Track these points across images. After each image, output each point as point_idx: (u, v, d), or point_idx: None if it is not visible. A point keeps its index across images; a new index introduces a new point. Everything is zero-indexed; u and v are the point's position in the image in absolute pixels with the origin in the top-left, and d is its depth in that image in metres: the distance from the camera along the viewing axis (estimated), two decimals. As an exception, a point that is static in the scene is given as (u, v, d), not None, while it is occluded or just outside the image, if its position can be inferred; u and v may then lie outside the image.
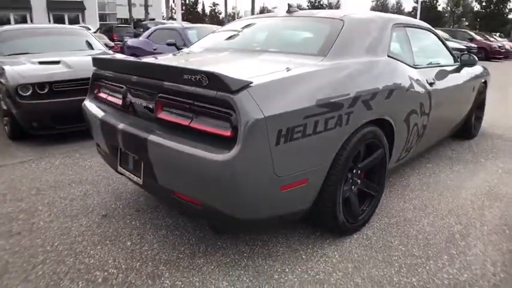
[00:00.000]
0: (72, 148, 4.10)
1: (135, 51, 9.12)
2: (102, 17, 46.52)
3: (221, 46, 2.79)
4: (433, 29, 3.48)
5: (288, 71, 1.86)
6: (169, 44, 7.79)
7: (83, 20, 32.02)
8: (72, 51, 5.27)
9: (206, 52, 2.71)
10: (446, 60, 3.54)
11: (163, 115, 1.88)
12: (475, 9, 37.62)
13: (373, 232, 2.43)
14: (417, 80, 2.71)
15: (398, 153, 2.71)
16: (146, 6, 48.09)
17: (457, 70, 3.56)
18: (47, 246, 2.24)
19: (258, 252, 2.18)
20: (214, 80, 1.54)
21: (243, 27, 3.00)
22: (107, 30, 21.12)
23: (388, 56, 2.49)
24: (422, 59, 3.01)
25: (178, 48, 7.78)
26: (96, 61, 2.47)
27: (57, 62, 4.40)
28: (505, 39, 24.71)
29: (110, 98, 2.36)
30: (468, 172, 3.54)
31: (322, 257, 2.14)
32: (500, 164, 3.76)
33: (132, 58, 2.54)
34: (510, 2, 34.87)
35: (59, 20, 31.93)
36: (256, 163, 1.60)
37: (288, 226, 2.42)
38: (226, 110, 1.57)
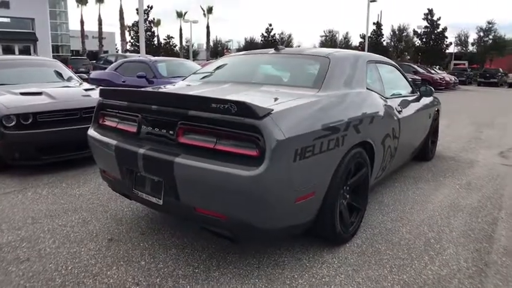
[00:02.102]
0: (56, 178, 4.10)
1: (102, 84, 9.14)
2: (55, 49, 45.45)
3: (220, 79, 3.08)
4: (395, 63, 4.02)
5: (293, 100, 2.18)
6: (139, 77, 7.96)
7: (35, 52, 31.10)
8: (49, 83, 5.30)
9: (208, 84, 2.99)
10: (407, 90, 4.07)
11: (185, 140, 2.11)
12: (417, 44, 41.36)
13: (362, 241, 2.74)
14: (390, 108, 3.15)
15: (377, 171, 3.09)
16: (100, 38, 47.65)
17: (417, 100, 4.10)
18: (61, 270, 2.31)
19: (266, 263, 2.40)
20: (242, 108, 1.81)
21: (236, 62, 3.33)
22: (61, 62, 20.68)
23: (367, 88, 2.91)
24: (390, 90, 3.48)
25: (149, 81, 7.99)
26: (105, 92, 2.66)
27: (40, 93, 4.45)
28: (444, 72, 27.20)
29: (121, 126, 2.54)
30: (431, 189, 4.01)
31: (324, 263, 2.41)
32: (457, 181, 4.29)
33: (148, 89, 2.75)
34: (447, 38, 38.92)
35: (9, 50, 30.78)
36: (279, 177, 1.87)
37: (288, 239, 2.67)
38: (253, 134, 1.84)
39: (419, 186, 4.09)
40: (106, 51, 44.46)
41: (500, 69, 32.46)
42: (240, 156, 1.88)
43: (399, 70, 4.06)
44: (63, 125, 4.26)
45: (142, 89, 2.58)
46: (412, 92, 4.20)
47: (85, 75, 7.63)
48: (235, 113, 1.84)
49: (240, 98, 2.07)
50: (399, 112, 3.37)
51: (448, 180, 4.35)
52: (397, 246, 2.69)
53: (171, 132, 2.18)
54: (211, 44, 57.27)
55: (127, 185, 2.46)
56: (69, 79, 5.83)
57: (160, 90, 2.77)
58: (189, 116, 2.05)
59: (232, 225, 2.03)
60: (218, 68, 3.43)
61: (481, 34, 44.36)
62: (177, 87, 3.07)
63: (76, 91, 4.93)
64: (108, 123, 2.68)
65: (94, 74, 10.52)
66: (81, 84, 5.64)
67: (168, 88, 3.03)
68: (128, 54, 21.90)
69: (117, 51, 50.14)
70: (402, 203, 3.55)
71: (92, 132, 2.74)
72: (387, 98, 3.25)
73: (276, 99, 2.23)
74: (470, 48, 46.92)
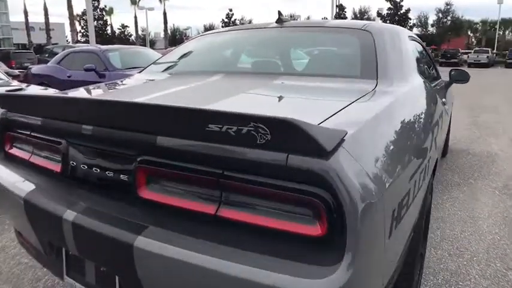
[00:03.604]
0: (-31, 219, 2.90)
1: (44, 80, 7.74)
2: (-6, 43, 41.32)
3: (201, 69, 2.00)
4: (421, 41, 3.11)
5: (355, 104, 1.18)
6: (87, 70, 6.70)
7: (-29, 46, 27.97)
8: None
9: (183, 79, 1.88)
10: (436, 75, 3.18)
11: (153, 194, 1.07)
12: (379, 25, 41.23)
13: (430, 304, 1.84)
14: (441, 101, 2.23)
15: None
16: (48, 30, 44.23)
17: (448, 86, 3.22)
18: None
19: None
20: (284, 132, 0.80)
21: (221, 44, 2.24)
22: (1, 56, 18.51)
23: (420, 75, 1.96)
24: (428, 77, 2.57)
25: (99, 74, 6.70)
26: (7, 99, 1.54)
27: None
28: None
29: (36, 160, 1.45)
30: (468, 197, 3.20)
31: None
32: (491, 184, 3.52)
33: (77, 93, 1.64)
34: (411, 19, 39.00)
35: None
36: (368, 277, 0.87)
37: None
38: (309, 189, 0.83)
39: (454, 194, 3.27)
40: (56, 44, 41.39)
41: (460, 50, 33.04)
42: (278, 234, 0.87)
43: (425, 49, 3.15)
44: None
45: (63, 94, 1.48)
46: (438, 76, 3.32)
47: (16, 72, 6.23)
48: (267, 143, 0.82)
49: (254, 104, 1.06)
50: (445, 105, 2.47)
51: (480, 182, 3.56)
52: (482, 306, 1.81)
53: (123, 177, 1.13)
54: (169, 32, 54.81)
55: (55, 266, 1.39)
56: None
57: (97, 93, 1.65)
58: (159, 148, 1.01)
59: None
60: (192, 52, 2.33)
61: (440, 15, 45.06)
62: (130, 85, 1.94)
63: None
64: (19, 153, 1.57)
65: (35, 68, 8.95)
66: (7, 83, 4.34)
67: (112, 88, 1.89)
68: (77, 45, 19.92)
69: (68, 43, 46.97)
70: (448, 224, 2.69)
71: (-7, 167, 1.62)
72: (433, 88, 2.33)
73: (321, 104, 1.23)
74: (430, 29, 47.65)
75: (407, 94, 1.48)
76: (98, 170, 1.20)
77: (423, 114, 1.49)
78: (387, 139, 1.08)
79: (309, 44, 2.04)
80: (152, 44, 50.90)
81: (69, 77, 7.34)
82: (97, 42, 13.20)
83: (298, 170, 0.82)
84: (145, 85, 1.86)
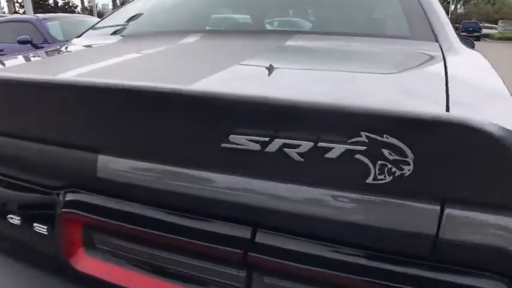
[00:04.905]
0: None
1: (-29, 55, 6.66)
2: None
3: (165, 28, 1.38)
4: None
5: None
6: (22, 42, 5.87)
7: None
8: None
9: (142, 42, 1.23)
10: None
11: (98, 266, 0.53)
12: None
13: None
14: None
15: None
16: (-21, -1, 39.88)
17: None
18: None
19: None
20: (454, 155, 0.30)
21: None
22: None
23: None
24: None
25: (36, 47, 5.81)
26: None
27: None
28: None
29: None
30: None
31: None
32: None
33: None
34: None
35: None
36: None
37: None
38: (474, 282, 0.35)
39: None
40: (-11, 16, 37.52)
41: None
42: None
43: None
44: None
45: None
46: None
47: None
48: (399, 181, 0.31)
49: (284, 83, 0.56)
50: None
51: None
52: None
53: (39, 229, 0.58)
54: (118, 3, 51.49)
55: None
56: None
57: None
58: (103, 179, 0.47)
59: None
60: (153, 7, 1.68)
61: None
62: (60, 54, 1.22)
63: None
64: None
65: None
66: None
67: (27, 60, 1.15)
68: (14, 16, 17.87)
69: (4, 14, 42.84)
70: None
71: None
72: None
73: (393, 80, 0.73)
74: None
75: (483, 63, 1.03)
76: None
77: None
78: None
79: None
80: (100, 16, 47.59)
81: (0, 51, 6.34)
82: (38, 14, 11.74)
83: (466, 244, 0.33)
84: (83, 54, 1.23)
